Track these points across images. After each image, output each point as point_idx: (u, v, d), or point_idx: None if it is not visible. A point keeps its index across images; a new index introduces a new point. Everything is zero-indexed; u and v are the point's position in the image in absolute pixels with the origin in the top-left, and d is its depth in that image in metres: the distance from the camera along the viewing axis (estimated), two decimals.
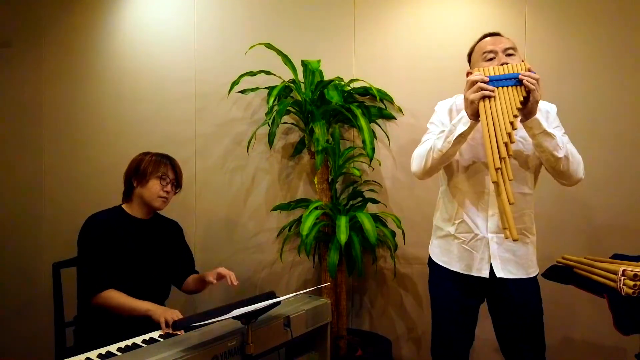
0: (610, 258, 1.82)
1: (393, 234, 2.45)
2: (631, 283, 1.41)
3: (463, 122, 1.56)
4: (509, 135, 1.45)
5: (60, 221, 2.94)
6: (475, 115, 1.53)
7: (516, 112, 1.48)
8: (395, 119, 2.61)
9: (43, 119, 2.98)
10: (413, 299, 2.62)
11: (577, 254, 1.85)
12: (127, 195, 2.01)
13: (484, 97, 1.50)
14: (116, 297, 1.81)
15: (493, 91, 1.49)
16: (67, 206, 2.93)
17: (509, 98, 1.49)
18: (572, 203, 2.33)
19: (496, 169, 1.43)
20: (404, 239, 2.50)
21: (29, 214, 3.00)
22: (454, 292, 1.73)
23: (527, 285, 1.69)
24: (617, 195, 2.34)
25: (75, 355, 1.39)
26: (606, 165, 2.33)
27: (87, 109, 2.94)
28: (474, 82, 1.51)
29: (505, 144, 1.44)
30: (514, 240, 1.42)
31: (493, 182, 1.44)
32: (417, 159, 1.71)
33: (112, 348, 1.46)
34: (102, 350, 1.44)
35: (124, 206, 2.01)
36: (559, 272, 1.82)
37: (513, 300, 1.67)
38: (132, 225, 1.97)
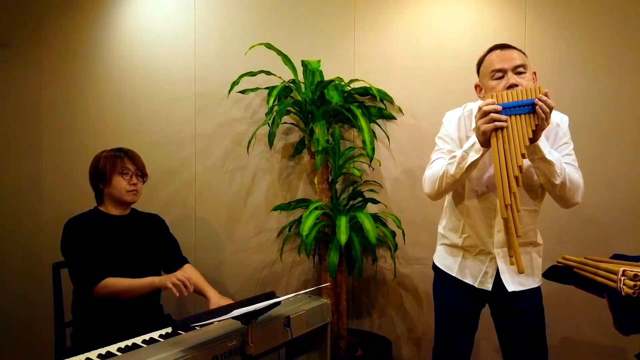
0: (610, 258, 1.81)
1: (393, 234, 2.45)
2: (631, 283, 1.41)
3: (475, 149, 1.52)
4: (520, 168, 1.42)
5: (60, 221, 2.88)
6: (486, 143, 1.49)
7: (527, 143, 1.45)
8: (395, 119, 2.61)
9: (43, 119, 2.98)
10: (413, 299, 2.62)
11: (577, 254, 1.85)
12: (99, 198, 2.06)
13: (496, 129, 1.45)
14: (117, 282, 1.85)
15: (506, 121, 1.44)
16: (67, 206, 2.91)
17: (521, 128, 1.45)
18: None
19: (506, 205, 1.41)
20: (404, 239, 2.50)
21: (29, 214, 2.99)
22: (457, 297, 1.74)
23: (532, 292, 1.69)
24: (617, 195, 2.34)
25: (75, 355, 1.39)
26: (606, 165, 2.33)
27: (87, 109, 2.94)
28: (487, 113, 1.45)
29: (516, 178, 1.42)
30: (520, 273, 1.45)
31: (503, 218, 1.43)
32: (430, 182, 1.67)
33: (112, 348, 1.46)
34: (102, 350, 1.44)
35: (99, 207, 2.05)
36: (559, 272, 1.81)
37: (517, 307, 1.67)
38: (112, 223, 2.01)
